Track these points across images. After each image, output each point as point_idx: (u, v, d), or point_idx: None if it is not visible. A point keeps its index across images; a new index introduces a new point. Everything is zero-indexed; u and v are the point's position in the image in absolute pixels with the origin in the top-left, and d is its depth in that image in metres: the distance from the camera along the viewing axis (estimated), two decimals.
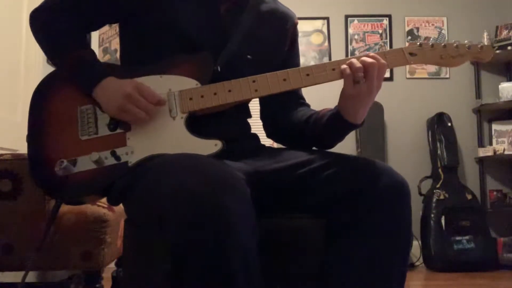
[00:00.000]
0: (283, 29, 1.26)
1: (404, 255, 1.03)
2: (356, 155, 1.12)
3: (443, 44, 1.11)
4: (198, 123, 1.06)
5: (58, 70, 1.15)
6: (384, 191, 1.00)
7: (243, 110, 1.21)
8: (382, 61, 1.04)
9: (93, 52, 1.14)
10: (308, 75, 1.07)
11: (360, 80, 1.02)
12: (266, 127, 1.31)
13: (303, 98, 1.30)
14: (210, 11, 1.15)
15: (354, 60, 1.03)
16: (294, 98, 1.26)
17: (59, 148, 1.07)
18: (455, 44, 1.12)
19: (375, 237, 0.99)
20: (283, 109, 1.25)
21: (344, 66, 1.04)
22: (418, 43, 1.11)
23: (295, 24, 1.29)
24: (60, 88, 1.12)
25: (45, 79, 1.15)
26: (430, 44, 1.11)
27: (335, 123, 1.11)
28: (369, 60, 1.02)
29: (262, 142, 1.25)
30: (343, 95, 1.07)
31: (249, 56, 1.16)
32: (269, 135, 1.32)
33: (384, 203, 1.00)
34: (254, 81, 1.06)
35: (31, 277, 2.03)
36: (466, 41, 1.13)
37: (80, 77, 1.10)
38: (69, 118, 1.08)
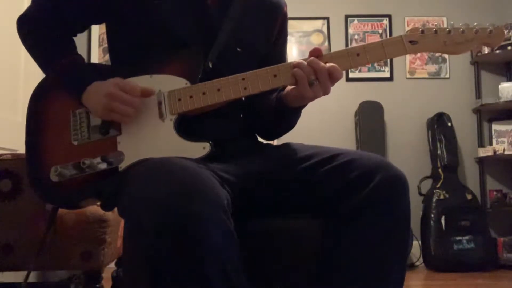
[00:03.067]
0: (272, 20, 1.24)
1: (403, 250, 1.02)
2: (352, 150, 1.10)
3: (448, 29, 1.03)
4: (189, 124, 1.05)
5: (49, 77, 1.15)
6: (380, 186, 0.99)
7: (238, 107, 1.20)
8: (333, 65, 1.01)
9: (79, 57, 1.14)
10: (295, 67, 1.02)
11: (314, 82, 1.01)
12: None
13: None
14: (196, 6, 1.13)
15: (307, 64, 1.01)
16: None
17: (53, 154, 1.07)
18: (461, 29, 1.03)
19: (372, 233, 0.98)
20: (256, 99, 1.21)
21: (295, 68, 1.02)
22: (420, 30, 1.03)
23: (285, 13, 1.27)
24: (54, 92, 1.12)
25: (40, 84, 1.15)
26: (434, 30, 1.03)
27: (280, 109, 1.13)
28: (321, 65, 1.01)
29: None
30: (299, 95, 1.05)
31: (238, 49, 1.15)
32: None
33: (380, 198, 0.99)
34: (243, 79, 1.04)
35: (31, 277, 2.02)
36: (474, 24, 1.04)
37: (68, 84, 1.10)
38: (62, 123, 1.09)
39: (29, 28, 1.16)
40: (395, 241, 1.00)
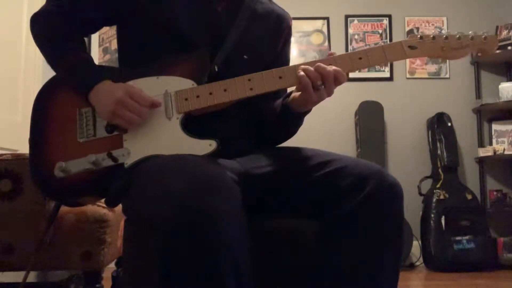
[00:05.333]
0: (278, 30, 1.27)
1: (396, 257, 1.02)
2: (349, 156, 1.12)
3: (444, 36, 1.08)
4: (195, 123, 1.06)
5: (57, 74, 1.16)
6: (373, 194, 0.99)
7: (243, 108, 1.21)
8: (338, 70, 1.03)
9: (89, 56, 1.15)
10: (302, 72, 1.04)
11: (320, 87, 1.03)
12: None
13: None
14: (206, 10, 1.15)
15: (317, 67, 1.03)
16: (276, 94, 1.23)
17: (58, 151, 1.07)
18: (457, 36, 1.08)
19: (364, 240, 0.99)
20: (262, 104, 1.23)
21: (301, 73, 1.03)
22: (419, 36, 1.08)
23: (290, 26, 1.30)
24: (61, 90, 1.13)
25: (48, 82, 1.16)
26: (431, 36, 1.08)
27: (285, 115, 1.14)
28: (328, 69, 1.03)
29: None
30: (304, 99, 1.07)
31: (245, 57, 1.16)
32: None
33: (373, 206, 0.99)
34: (249, 80, 1.06)
35: (31, 277, 2.02)
36: (470, 32, 1.09)
37: (75, 82, 1.11)
38: (69, 121, 1.09)
39: (43, 24, 1.17)
40: (388, 249, 1.00)
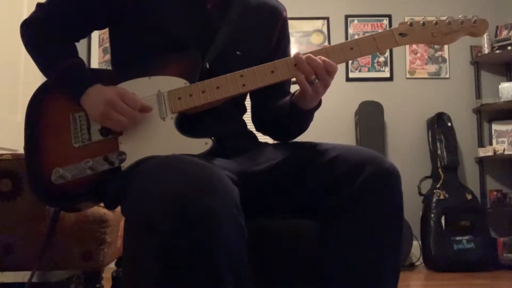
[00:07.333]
0: (272, 24, 1.25)
1: (396, 242, 1.01)
2: (340, 144, 1.11)
3: (434, 21, 1.09)
4: (190, 122, 1.06)
5: (49, 80, 1.15)
6: (370, 180, 0.98)
7: (237, 106, 1.21)
8: (327, 60, 1.04)
9: (81, 61, 1.14)
10: (295, 65, 1.06)
11: (314, 81, 1.04)
12: (254, 120, 1.31)
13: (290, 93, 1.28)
14: (196, 8, 1.14)
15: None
16: (280, 91, 1.24)
17: (55, 157, 1.07)
18: (447, 21, 1.09)
19: (365, 227, 0.98)
20: (268, 102, 1.24)
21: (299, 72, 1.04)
22: (409, 23, 1.08)
23: (284, 17, 1.28)
24: (53, 96, 1.13)
25: (39, 89, 1.16)
26: (421, 22, 1.08)
27: (293, 113, 1.14)
28: (317, 61, 1.03)
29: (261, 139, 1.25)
30: (303, 95, 1.08)
31: (238, 53, 1.16)
32: (257, 129, 1.32)
33: (371, 192, 0.98)
34: (241, 76, 1.05)
35: None
36: (460, 16, 1.10)
37: (67, 87, 1.10)
38: (63, 126, 1.09)
39: (33, 31, 1.16)
40: (389, 235, 0.99)
